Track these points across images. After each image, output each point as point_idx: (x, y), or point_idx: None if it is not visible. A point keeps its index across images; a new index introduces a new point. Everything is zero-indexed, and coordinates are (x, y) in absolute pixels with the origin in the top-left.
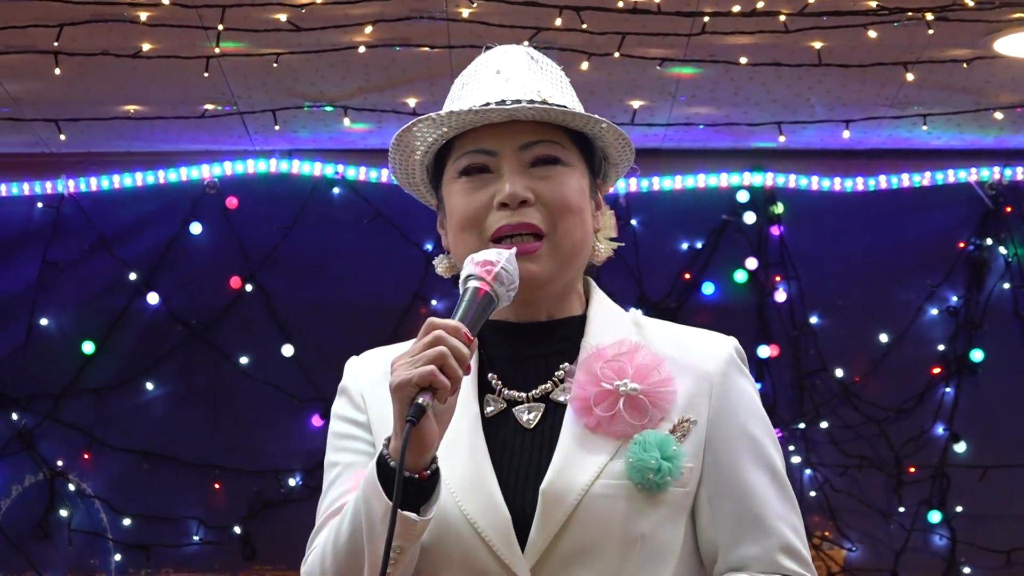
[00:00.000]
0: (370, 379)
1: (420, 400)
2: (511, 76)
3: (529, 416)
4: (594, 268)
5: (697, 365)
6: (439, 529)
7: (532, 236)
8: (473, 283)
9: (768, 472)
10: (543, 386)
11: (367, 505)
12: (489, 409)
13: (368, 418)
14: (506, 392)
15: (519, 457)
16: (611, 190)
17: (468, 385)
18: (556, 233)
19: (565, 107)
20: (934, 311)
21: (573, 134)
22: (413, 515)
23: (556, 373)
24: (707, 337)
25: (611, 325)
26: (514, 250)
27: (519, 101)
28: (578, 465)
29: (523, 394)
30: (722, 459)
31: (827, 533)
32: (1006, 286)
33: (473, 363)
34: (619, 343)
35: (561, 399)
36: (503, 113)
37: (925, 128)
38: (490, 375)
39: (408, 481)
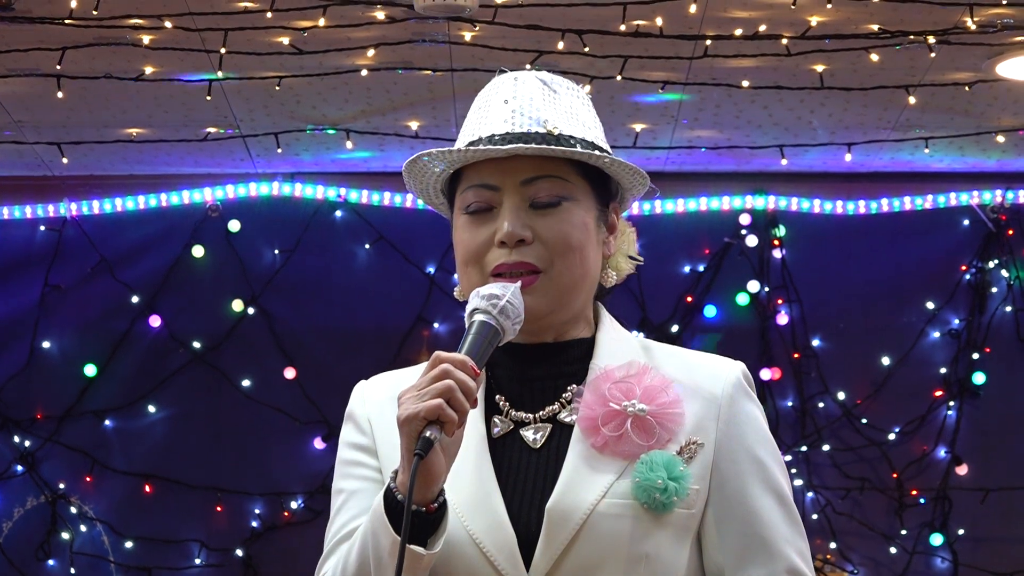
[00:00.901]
0: (376, 403)
1: (428, 434)
2: (518, 106)
3: (536, 436)
4: (609, 291)
5: (705, 388)
6: (445, 549)
7: (530, 272)
8: (479, 317)
9: (775, 496)
10: (550, 407)
11: (375, 538)
12: (496, 430)
13: (375, 443)
14: (513, 413)
15: (525, 477)
16: (629, 208)
17: (483, 377)
18: (553, 270)
19: (572, 137)
20: (936, 334)
21: (580, 163)
22: (420, 549)
23: (563, 394)
24: (715, 361)
25: (619, 348)
26: (519, 284)
27: (524, 134)
28: (584, 484)
29: (530, 415)
30: (729, 482)
31: (829, 556)
32: (1008, 309)
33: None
34: (628, 365)
35: (568, 420)
36: (501, 152)
37: (927, 151)
38: (497, 396)
39: (415, 514)
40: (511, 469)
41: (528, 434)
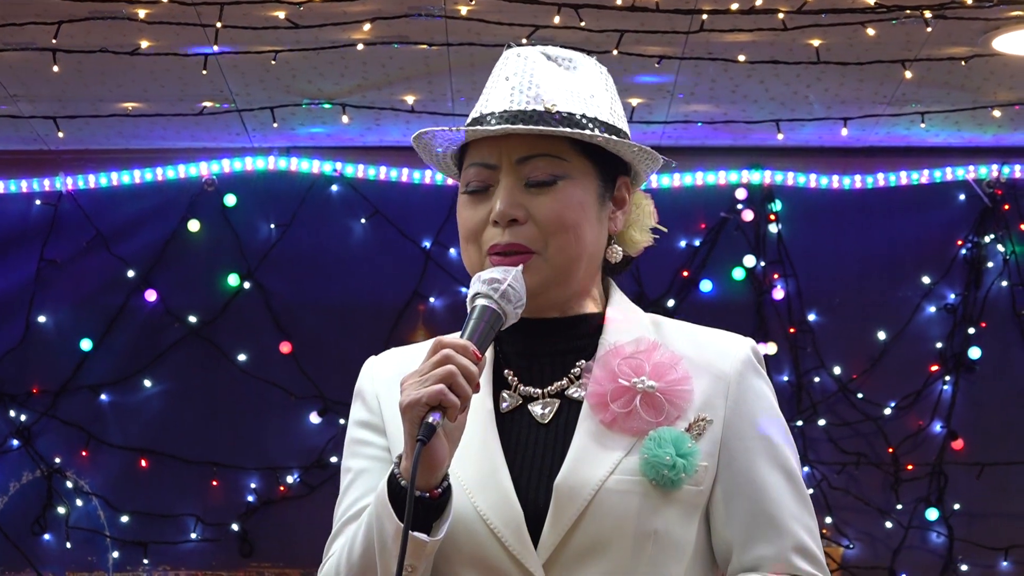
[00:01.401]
0: (385, 380)
1: (430, 419)
2: (518, 83)
3: (544, 411)
4: (626, 265)
5: (714, 365)
6: (452, 525)
7: (524, 253)
8: (480, 301)
9: (783, 473)
10: (559, 382)
11: (379, 523)
12: (504, 405)
13: (383, 420)
14: (522, 388)
15: (533, 452)
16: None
17: (483, 381)
18: (548, 251)
19: (571, 114)
20: (932, 309)
21: (578, 140)
22: (424, 536)
23: (572, 370)
24: (724, 337)
25: (629, 324)
26: (521, 267)
27: (520, 112)
28: (593, 460)
29: (539, 390)
30: (737, 459)
31: (825, 531)
32: (1004, 284)
33: (488, 357)
34: (637, 341)
35: (576, 395)
36: (492, 132)
37: (923, 126)
38: (506, 371)
39: (419, 500)
40: (519, 444)
41: (536, 409)
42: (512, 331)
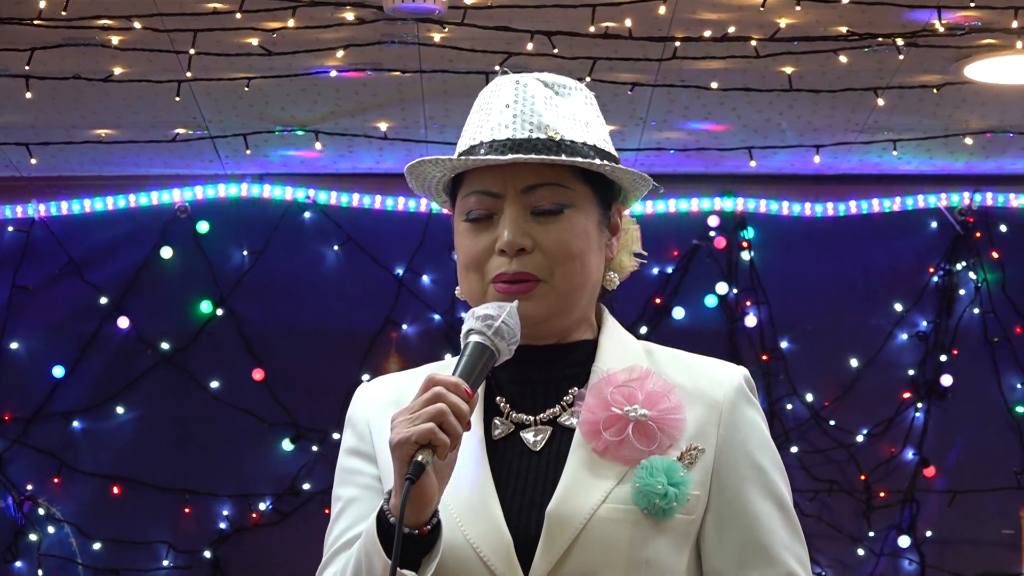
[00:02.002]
0: (376, 407)
1: (420, 458)
2: (519, 111)
3: (536, 438)
4: (608, 292)
5: (706, 393)
6: (442, 555)
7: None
8: (474, 338)
9: (775, 502)
10: (551, 409)
11: (368, 559)
12: (497, 432)
13: (374, 449)
14: (514, 415)
15: (524, 480)
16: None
17: (478, 397)
18: (555, 279)
19: (573, 142)
20: (904, 336)
21: (581, 168)
22: (412, 574)
23: (564, 397)
24: (717, 366)
25: (622, 351)
26: (515, 303)
27: (526, 140)
28: (584, 489)
29: (531, 417)
30: (729, 488)
31: None
32: (975, 311)
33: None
34: (630, 369)
35: (569, 423)
36: (501, 161)
37: (895, 153)
38: (498, 398)
39: (408, 537)
40: (511, 472)
41: (528, 436)
42: (508, 358)
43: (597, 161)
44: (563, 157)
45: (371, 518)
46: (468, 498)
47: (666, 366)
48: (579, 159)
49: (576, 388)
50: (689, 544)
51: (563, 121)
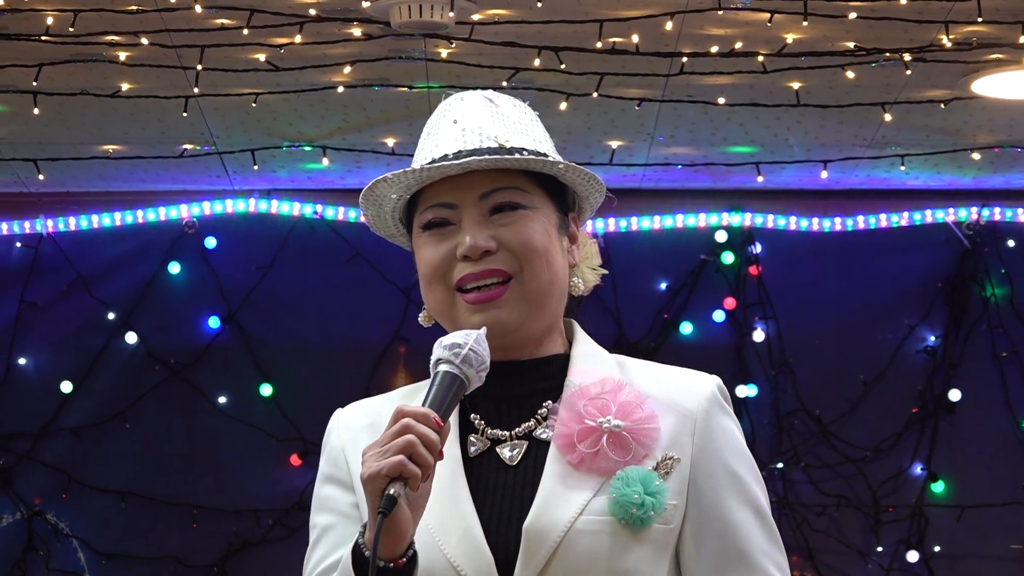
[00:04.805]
0: (352, 432)
1: (391, 491)
2: (468, 125)
3: (512, 453)
4: (578, 303)
5: (680, 403)
6: (423, 574)
7: (498, 281)
8: (442, 367)
9: (752, 509)
10: (526, 424)
11: None
12: (473, 449)
13: (349, 475)
14: (489, 431)
15: (502, 495)
16: (588, 222)
17: (450, 426)
18: (523, 275)
19: (523, 149)
20: (912, 351)
21: (535, 175)
22: None
23: (539, 411)
24: (690, 376)
25: (595, 364)
26: (483, 331)
27: (476, 151)
28: (561, 502)
29: (506, 432)
30: (705, 496)
31: (806, 574)
32: (984, 326)
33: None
34: (603, 381)
35: (544, 436)
36: (456, 167)
37: (903, 168)
38: (472, 415)
39: (383, 571)
40: (488, 488)
41: (504, 451)
42: None
43: (550, 159)
44: (524, 157)
45: (347, 552)
46: (448, 517)
47: (639, 378)
48: (536, 158)
49: (550, 402)
50: (668, 554)
51: (511, 131)
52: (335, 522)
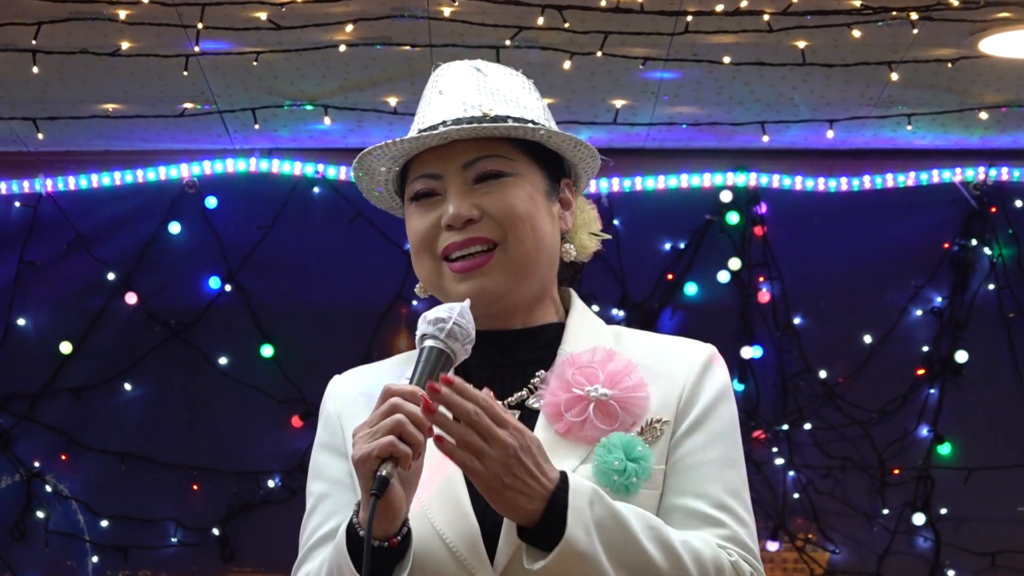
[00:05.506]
0: (348, 399)
1: (383, 472)
2: (452, 95)
3: None
4: (579, 270)
5: (672, 371)
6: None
7: (483, 249)
8: (428, 343)
9: (724, 459)
10: (519, 393)
11: (339, 572)
12: None
13: (344, 442)
14: None
15: None
16: (591, 183)
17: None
18: (508, 241)
19: (508, 117)
20: (918, 312)
21: (521, 142)
22: None
23: (532, 380)
24: (685, 344)
25: (589, 334)
26: (467, 303)
27: (459, 119)
28: None
29: (500, 402)
30: (680, 446)
31: (811, 535)
32: (991, 287)
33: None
34: (593, 350)
35: (535, 406)
36: (437, 137)
37: (909, 128)
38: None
39: (378, 549)
40: None
41: None
42: (475, 343)
43: (530, 125)
44: (504, 124)
45: (341, 530)
46: (437, 487)
47: (633, 348)
48: (515, 124)
49: (543, 371)
50: None
51: (497, 100)
52: (330, 490)
